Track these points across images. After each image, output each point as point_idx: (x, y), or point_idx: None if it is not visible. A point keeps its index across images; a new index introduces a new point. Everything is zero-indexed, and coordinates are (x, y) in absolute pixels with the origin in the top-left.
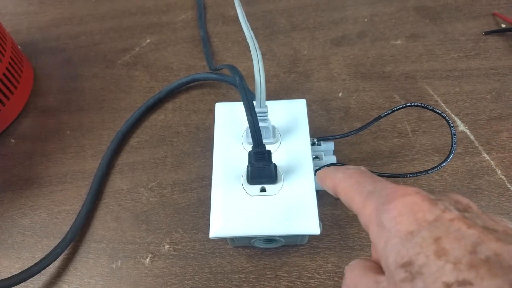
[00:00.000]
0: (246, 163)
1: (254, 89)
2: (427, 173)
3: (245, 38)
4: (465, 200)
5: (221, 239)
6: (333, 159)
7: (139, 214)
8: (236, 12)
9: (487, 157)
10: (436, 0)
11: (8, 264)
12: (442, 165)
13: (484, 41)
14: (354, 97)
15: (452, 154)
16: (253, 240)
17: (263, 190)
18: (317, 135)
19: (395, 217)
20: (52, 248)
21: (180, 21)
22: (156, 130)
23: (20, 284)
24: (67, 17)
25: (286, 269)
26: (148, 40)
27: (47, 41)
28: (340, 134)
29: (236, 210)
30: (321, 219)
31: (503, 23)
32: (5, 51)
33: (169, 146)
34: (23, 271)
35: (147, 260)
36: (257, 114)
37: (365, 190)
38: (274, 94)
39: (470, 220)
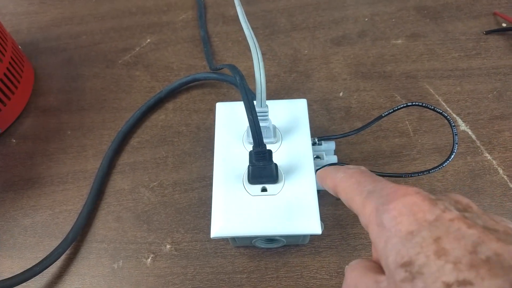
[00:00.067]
0: (247, 163)
1: (255, 88)
2: (429, 173)
3: (246, 37)
4: (465, 200)
5: (223, 239)
6: (334, 158)
7: (141, 214)
8: (236, 12)
9: (489, 157)
10: (437, 0)
11: (10, 264)
12: (444, 165)
13: (485, 40)
14: (355, 97)
15: (454, 153)
16: (254, 240)
17: (264, 190)
18: (318, 135)
19: (395, 217)
20: (54, 248)
21: (180, 21)
22: (157, 130)
23: (22, 284)
24: (67, 17)
25: (287, 269)
26: (149, 40)
27: (47, 41)
28: (341, 133)
29: (237, 210)
30: (323, 219)
31: (504, 22)
32: (6, 51)
33: (170, 146)
34: (25, 271)
35: (149, 260)
36: (258, 114)
37: (365, 190)
38: (274, 93)
39: (470, 220)
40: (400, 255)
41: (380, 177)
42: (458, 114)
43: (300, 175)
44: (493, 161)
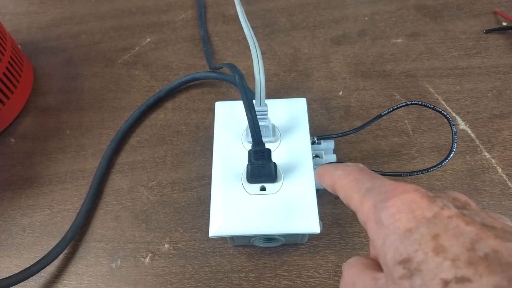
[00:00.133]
0: (246, 162)
1: (254, 88)
2: (428, 171)
3: (245, 37)
4: (463, 198)
5: (221, 238)
6: (333, 157)
7: (139, 213)
8: (236, 11)
9: (488, 156)
10: None
11: (8, 264)
12: (443, 164)
13: (485, 39)
14: (354, 96)
15: (453, 152)
16: (253, 239)
17: (263, 189)
18: (317, 134)
19: (393, 214)
20: (52, 247)
21: (180, 20)
22: (156, 129)
23: (20, 284)
24: (67, 17)
25: (286, 268)
26: (148, 39)
27: (47, 41)
28: (340, 132)
29: (236, 209)
30: (321, 218)
31: (504, 21)
32: (5, 50)
33: (169, 145)
34: (22, 270)
35: (147, 259)
36: (257, 113)
37: (363, 187)
38: (274, 92)
39: (469, 217)
40: (398, 252)
41: (379, 175)
42: (457, 113)
43: (299, 174)
44: (492, 160)
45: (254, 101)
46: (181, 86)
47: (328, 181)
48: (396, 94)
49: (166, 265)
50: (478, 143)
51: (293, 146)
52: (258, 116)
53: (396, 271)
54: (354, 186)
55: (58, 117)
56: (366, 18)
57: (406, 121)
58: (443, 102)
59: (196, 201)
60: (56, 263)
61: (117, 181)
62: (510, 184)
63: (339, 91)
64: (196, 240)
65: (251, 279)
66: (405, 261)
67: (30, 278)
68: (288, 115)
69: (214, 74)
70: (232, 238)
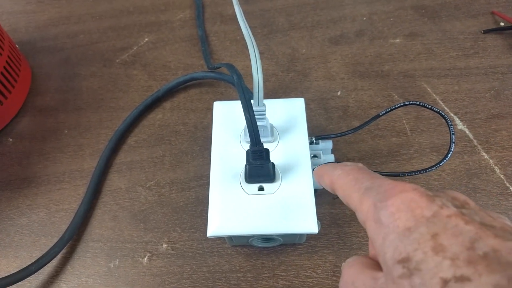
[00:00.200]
0: (244, 162)
1: (252, 87)
2: (426, 171)
3: (243, 36)
4: (462, 197)
5: (219, 238)
6: (331, 158)
7: (137, 213)
8: (234, 11)
9: (486, 156)
10: None
11: (6, 263)
12: (441, 164)
13: (483, 39)
14: (352, 96)
15: (451, 152)
16: (251, 239)
17: (261, 189)
18: (316, 134)
19: (393, 213)
20: (50, 247)
21: (178, 20)
22: (154, 129)
23: (18, 283)
24: (65, 16)
25: (284, 268)
26: (146, 39)
27: (45, 40)
28: (338, 132)
29: (234, 209)
30: (319, 218)
31: (502, 22)
32: (3, 50)
33: (167, 145)
34: (20, 270)
35: (145, 259)
36: (255, 113)
37: (362, 187)
38: (272, 92)
39: (468, 216)
40: (397, 251)
41: (378, 174)
42: (455, 113)
43: (297, 174)
44: (490, 160)
45: (252, 101)
46: (179, 86)
47: (327, 181)
48: (394, 94)
49: (164, 265)
50: (476, 144)
51: (291, 146)
52: (256, 116)
53: (396, 270)
54: (353, 186)
55: (56, 117)
56: (364, 18)
57: (404, 121)
58: (441, 102)
59: (194, 201)
60: (54, 262)
61: (115, 181)
62: (508, 185)
63: (337, 91)
64: (194, 240)
65: (249, 279)
66: (404, 260)
67: (28, 278)
68: (286, 115)
69: (212, 74)
70: (230, 238)
